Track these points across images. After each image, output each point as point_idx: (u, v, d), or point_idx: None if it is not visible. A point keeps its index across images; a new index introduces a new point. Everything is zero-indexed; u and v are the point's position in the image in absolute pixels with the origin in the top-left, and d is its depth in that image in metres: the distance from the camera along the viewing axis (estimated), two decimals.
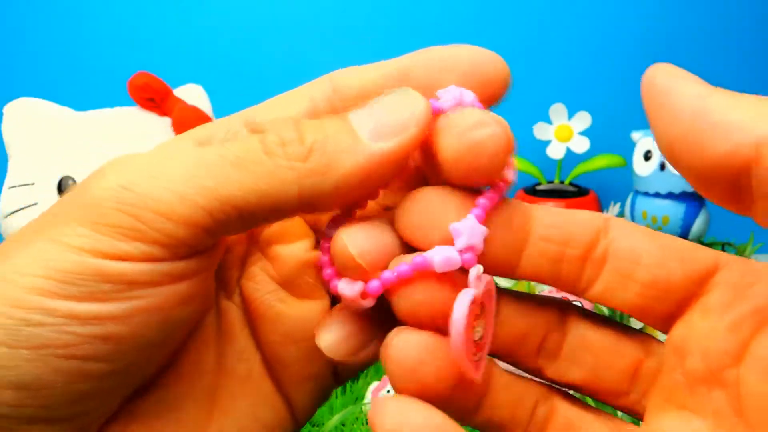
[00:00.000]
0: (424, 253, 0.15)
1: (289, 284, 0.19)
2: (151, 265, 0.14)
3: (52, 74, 0.92)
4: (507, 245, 0.16)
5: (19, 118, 0.53)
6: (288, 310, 0.19)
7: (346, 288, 0.15)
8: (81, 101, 0.58)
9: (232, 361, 0.18)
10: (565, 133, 0.83)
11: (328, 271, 0.16)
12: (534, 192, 0.85)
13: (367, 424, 0.45)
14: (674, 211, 0.74)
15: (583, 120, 0.83)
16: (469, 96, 0.16)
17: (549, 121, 0.84)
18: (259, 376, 0.19)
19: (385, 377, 0.46)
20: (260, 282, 0.19)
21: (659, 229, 0.75)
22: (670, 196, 0.74)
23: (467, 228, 0.15)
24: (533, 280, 0.16)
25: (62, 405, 0.14)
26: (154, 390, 0.17)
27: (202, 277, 0.16)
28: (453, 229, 0.15)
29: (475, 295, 0.14)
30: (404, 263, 0.15)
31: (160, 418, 0.17)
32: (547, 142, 0.84)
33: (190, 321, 0.17)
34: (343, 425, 0.44)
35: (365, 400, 0.46)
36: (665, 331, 0.16)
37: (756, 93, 0.14)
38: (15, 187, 0.52)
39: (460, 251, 0.15)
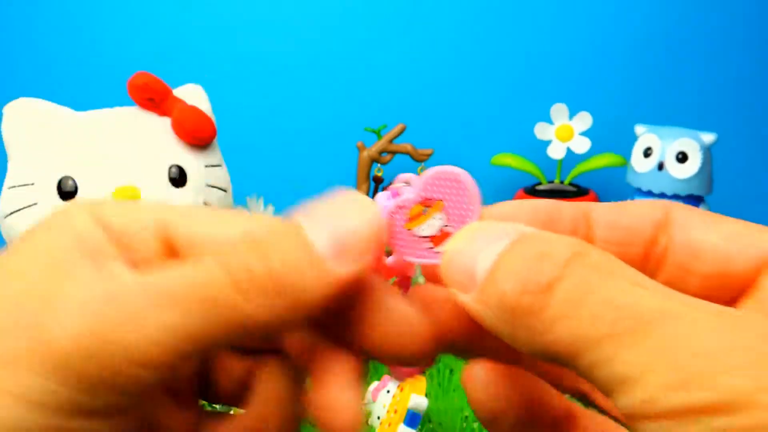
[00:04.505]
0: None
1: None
2: (113, 419, 0.13)
3: (52, 74, 0.92)
4: None
5: (19, 118, 0.53)
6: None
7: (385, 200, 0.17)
8: (81, 101, 0.58)
9: None
10: (566, 133, 0.83)
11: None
12: (534, 192, 0.85)
13: (367, 423, 0.45)
14: None
15: (584, 120, 0.82)
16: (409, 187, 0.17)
17: (550, 121, 0.84)
18: None
19: (385, 377, 0.46)
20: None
21: None
22: (669, 195, 0.74)
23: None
24: None
25: None
26: None
27: None
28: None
29: (397, 204, 0.16)
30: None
31: None
32: (547, 142, 0.84)
33: None
34: None
35: (365, 400, 0.46)
36: None
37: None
38: (15, 187, 0.52)
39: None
